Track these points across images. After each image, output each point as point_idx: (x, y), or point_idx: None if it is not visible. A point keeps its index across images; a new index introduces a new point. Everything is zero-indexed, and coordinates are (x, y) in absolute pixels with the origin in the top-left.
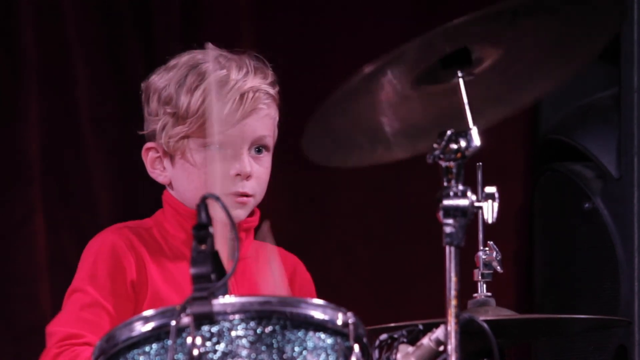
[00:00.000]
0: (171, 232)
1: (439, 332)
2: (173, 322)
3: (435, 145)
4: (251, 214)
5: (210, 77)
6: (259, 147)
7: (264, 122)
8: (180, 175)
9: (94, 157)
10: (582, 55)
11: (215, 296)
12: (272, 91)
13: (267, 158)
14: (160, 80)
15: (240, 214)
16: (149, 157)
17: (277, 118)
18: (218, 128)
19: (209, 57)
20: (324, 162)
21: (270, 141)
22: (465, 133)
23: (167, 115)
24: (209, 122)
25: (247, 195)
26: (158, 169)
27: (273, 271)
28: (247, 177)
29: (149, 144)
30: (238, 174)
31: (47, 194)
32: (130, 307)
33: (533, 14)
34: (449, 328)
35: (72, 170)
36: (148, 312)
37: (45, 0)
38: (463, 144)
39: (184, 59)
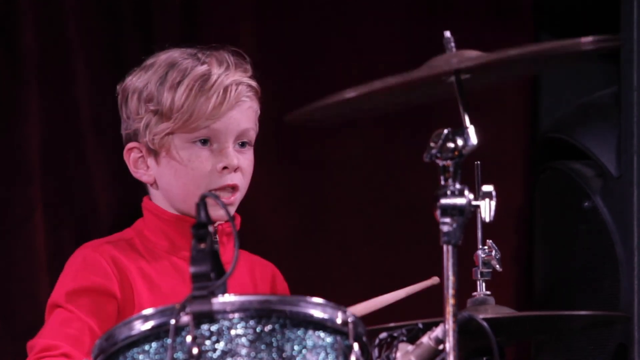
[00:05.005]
0: (153, 240)
1: (438, 331)
2: (172, 321)
3: (432, 144)
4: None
5: (192, 72)
6: (242, 141)
7: (247, 114)
8: (166, 172)
9: (94, 157)
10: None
11: (215, 295)
12: (253, 84)
13: (250, 151)
14: (139, 80)
15: (229, 210)
16: (131, 157)
17: (259, 111)
18: (203, 122)
19: (187, 53)
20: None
21: (253, 134)
22: (462, 132)
23: (150, 113)
24: (194, 117)
25: (235, 188)
26: (142, 169)
27: None
28: (235, 169)
29: (130, 144)
30: (225, 167)
31: (47, 193)
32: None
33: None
34: (446, 327)
35: (72, 170)
36: (147, 311)
37: (45, 0)
38: (460, 142)
39: (162, 57)
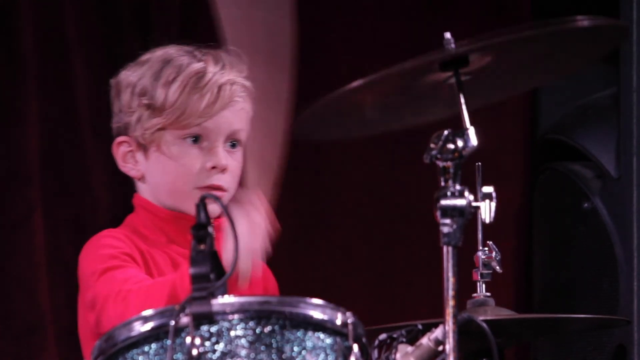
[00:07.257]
0: (151, 237)
1: (438, 332)
2: (172, 322)
3: (432, 145)
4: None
5: (187, 69)
6: (233, 142)
7: (240, 115)
8: (154, 168)
9: (94, 157)
10: (576, 63)
11: (215, 296)
12: (247, 84)
13: (240, 152)
14: (133, 74)
15: (214, 208)
16: (120, 151)
17: (251, 113)
18: (195, 120)
19: (184, 50)
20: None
21: (244, 135)
22: (462, 133)
23: (142, 107)
24: (186, 114)
25: (221, 189)
26: (130, 163)
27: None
28: (223, 170)
29: (120, 138)
30: (214, 167)
31: (46, 193)
32: None
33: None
34: (446, 328)
35: (71, 170)
36: (147, 312)
37: (45, 0)
38: (460, 143)
39: (157, 54)
